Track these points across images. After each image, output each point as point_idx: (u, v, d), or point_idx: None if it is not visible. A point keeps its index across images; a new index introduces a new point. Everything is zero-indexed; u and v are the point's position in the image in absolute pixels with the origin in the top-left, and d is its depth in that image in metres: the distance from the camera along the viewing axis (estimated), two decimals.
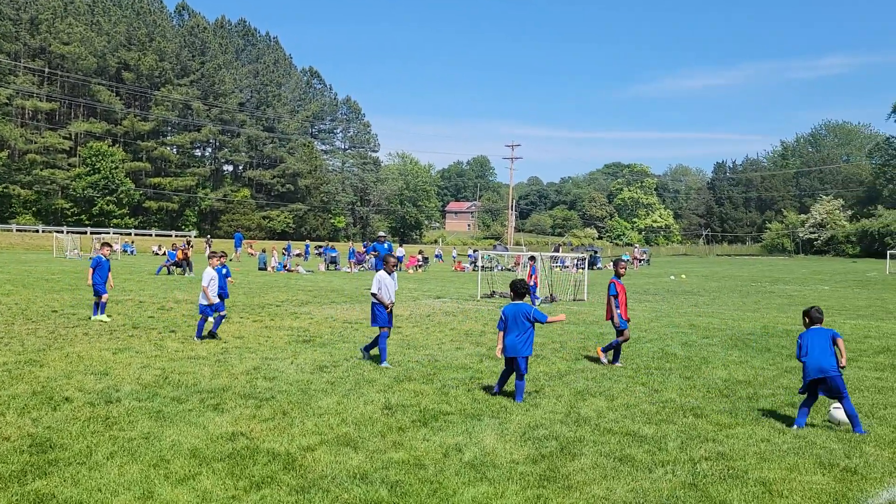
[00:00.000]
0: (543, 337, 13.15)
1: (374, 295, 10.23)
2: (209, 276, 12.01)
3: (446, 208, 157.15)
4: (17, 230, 65.98)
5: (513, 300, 8.51)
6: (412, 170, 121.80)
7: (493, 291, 22.96)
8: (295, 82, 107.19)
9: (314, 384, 8.65)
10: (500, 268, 38.90)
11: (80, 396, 7.65)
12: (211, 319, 12.03)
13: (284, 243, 59.08)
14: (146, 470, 5.41)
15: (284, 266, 34.32)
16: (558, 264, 37.83)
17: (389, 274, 10.44)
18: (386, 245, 24.32)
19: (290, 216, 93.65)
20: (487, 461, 5.91)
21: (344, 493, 5.11)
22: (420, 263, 40.40)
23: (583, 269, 25.39)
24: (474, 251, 51.36)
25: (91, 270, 14.26)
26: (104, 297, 14.21)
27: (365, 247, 42.35)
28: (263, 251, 37.73)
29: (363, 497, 5.04)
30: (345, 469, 5.60)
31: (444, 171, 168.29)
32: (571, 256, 33.86)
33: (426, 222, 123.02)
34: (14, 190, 72.23)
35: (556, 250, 46.32)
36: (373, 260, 30.39)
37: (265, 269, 34.30)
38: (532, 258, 22.02)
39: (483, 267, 26.30)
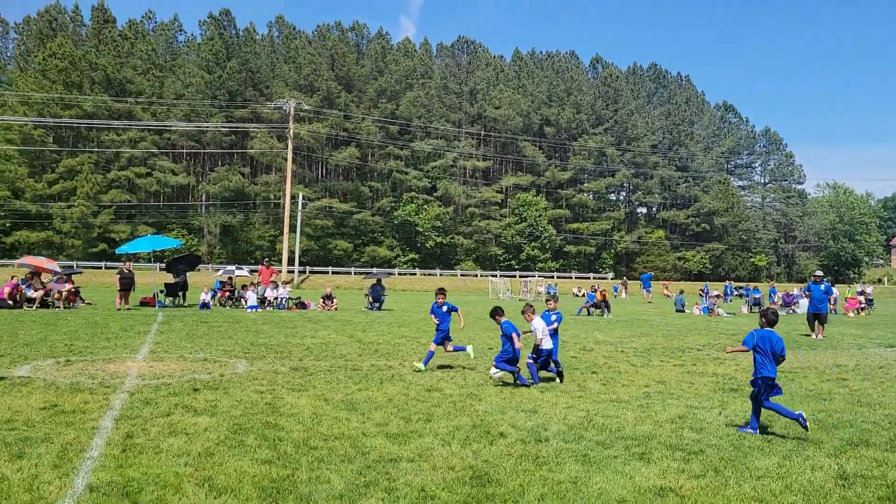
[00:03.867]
0: None
1: None
2: None
3: (891, 242, 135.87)
4: (461, 275, 75.39)
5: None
6: (846, 201, 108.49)
7: None
8: (708, 119, 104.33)
9: (748, 440, 7.80)
10: None
11: (512, 433, 8.01)
12: None
13: (701, 284, 57.05)
14: None
15: (710, 310, 32.75)
16: None
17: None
18: (822, 287, 21.69)
19: (707, 256, 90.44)
20: None
21: None
22: (862, 306, 35.24)
23: None
24: None
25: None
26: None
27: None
28: (681, 292, 36.79)
29: None
30: None
31: (886, 201, 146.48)
32: None
33: (866, 259, 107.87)
34: (458, 240, 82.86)
35: None
36: (802, 302, 27.35)
37: (682, 311, 33.32)
38: None
39: None
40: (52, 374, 11.21)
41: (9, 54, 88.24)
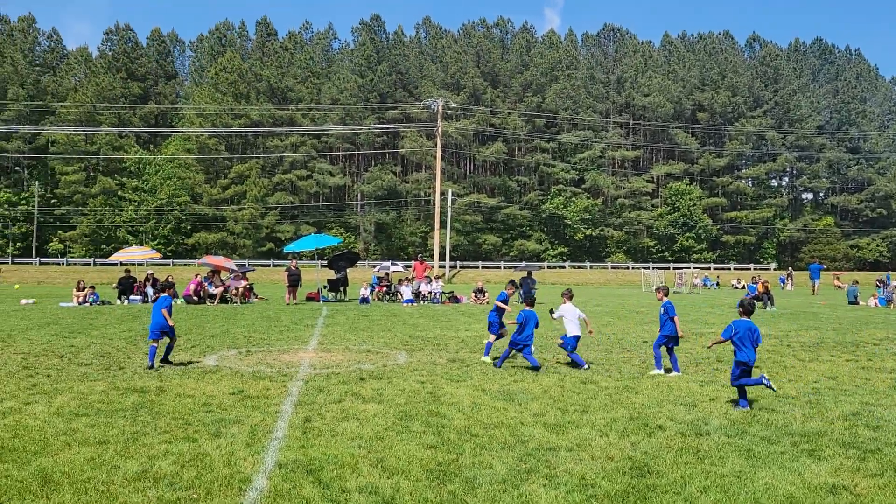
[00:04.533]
0: None
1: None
2: None
3: None
4: (611, 267, 73.99)
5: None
6: None
7: None
8: (883, 94, 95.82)
9: None
10: None
11: (671, 426, 7.97)
12: None
13: (881, 274, 52.66)
14: None
15: (888, 301, 30.29)
16: None
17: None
18: None
19: (884, 244, 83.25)
20: None
21: None
22: None
23: None
24: None
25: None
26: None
27: None
28: (855, 283, 34.23)
29: None
30: None
31: None
32: None
33: None
34: (608, 232, 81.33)
35: None
36: None
37: (856, 303, 31.02)
38: None
39: None
40: (236, 364, 12.34)
41: (185, 71, 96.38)
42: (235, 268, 31.55)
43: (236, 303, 27.38)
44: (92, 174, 76.97)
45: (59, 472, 6.04)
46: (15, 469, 6.11)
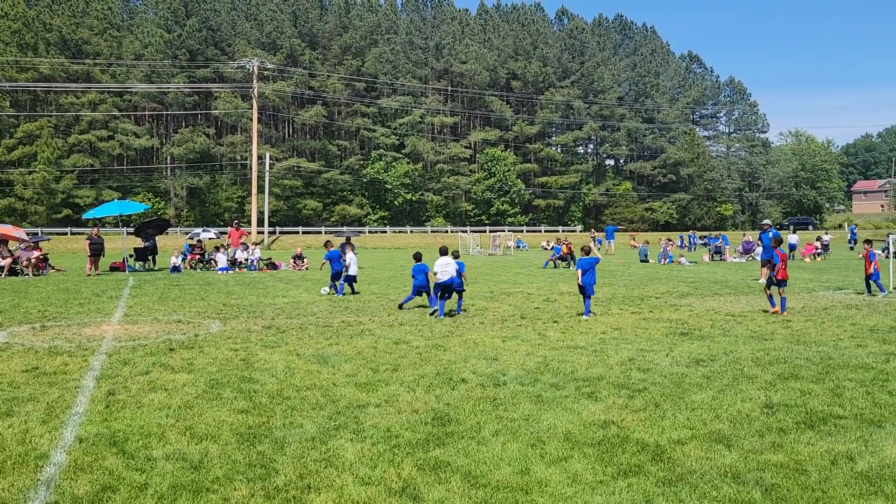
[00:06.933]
0: None
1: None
2: None
3: (852, 188, 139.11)
4: (431, 231, 75.85)
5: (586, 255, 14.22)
6: (808, 149, 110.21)
7: None
8: (673, 70, 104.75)
9: (689, 378, 8.48)
10: None
11: (473, 378, 8.60)
12: None
13: (667, 235, 58.16)
14: (525, 449, 5.90)
15: (663, 257, 33.73)
16: None
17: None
18: (770, 233, 22.57)
19: (674, 207, 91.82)
20: (886, 474, 5.20)
21: (713, 490, 4.96)
22: (819, 251, 36.46)
23: None
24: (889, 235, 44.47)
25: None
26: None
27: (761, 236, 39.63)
28: (646, 243, 37.67)
29: (734, 497, 4.84)
30: (715, 466, 5.43)
31: (848, 147, 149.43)
32: None
33: (827, 205, 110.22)
34: (428, 196, 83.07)
35: None
36: (759, 249, 28.23)
37: (646, 261, 34.23)
38: (868, 242, 18.25)
39: None
40: (29, 340, 11.54)
41: None
42: (26, 237, 28.95)
43: (28, 275, 25.24)
44: None
45: None
46: None
